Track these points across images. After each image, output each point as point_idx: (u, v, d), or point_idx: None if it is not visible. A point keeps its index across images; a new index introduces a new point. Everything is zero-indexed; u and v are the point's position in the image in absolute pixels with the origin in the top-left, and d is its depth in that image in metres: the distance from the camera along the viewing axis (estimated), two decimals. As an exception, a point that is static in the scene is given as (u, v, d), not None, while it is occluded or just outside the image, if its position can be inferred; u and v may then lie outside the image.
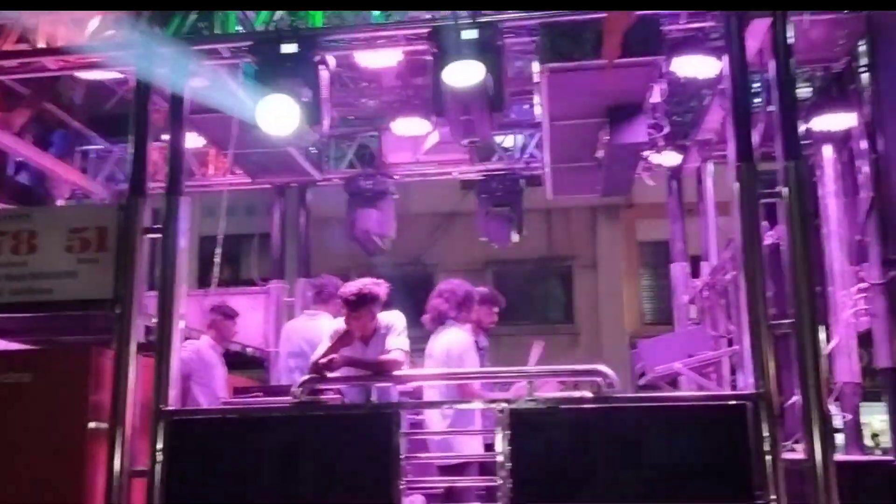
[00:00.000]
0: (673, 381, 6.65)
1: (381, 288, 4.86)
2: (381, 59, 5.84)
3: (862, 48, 5.36)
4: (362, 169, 8.62)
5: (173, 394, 4.78)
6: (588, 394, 4.53)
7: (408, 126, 7.36)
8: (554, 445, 4.43)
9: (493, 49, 5.15)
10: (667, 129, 7.10)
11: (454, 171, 8.87)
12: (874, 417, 8.98)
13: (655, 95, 6.22)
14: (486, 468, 4.70)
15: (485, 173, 8.65)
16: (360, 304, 4.78)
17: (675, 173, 8.34)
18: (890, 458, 5.10)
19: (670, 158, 7.85)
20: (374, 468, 4.46)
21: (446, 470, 4.88)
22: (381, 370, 4.73)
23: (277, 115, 5.09)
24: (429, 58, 5.29)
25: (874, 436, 9.54)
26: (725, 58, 4.99)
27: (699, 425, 4.43)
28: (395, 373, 4.73)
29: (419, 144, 8.17)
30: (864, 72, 5.41)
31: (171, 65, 5.24)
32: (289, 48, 5.20)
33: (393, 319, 4.93)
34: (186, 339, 5.58)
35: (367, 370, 4.78)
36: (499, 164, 8.63)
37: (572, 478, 4.37)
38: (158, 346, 4.81)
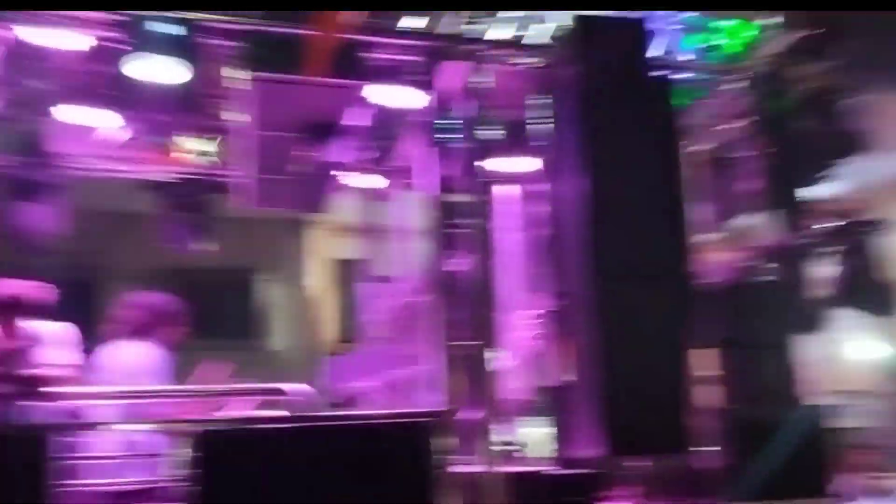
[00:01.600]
0: (361, 399, 6.90)
1: (39, 292, 4.44)
2: (67, 41, 5.37)
3: (546, 102, 6.09)
4: (24, 156, 7.78)
5: None
6: (275, 413, 4.57)
7: (85, 116, 6.79)
8: (238, 466, 4.37)
9: (193, 48, 5.02)
10: (366, 153, 7.40)
11: (136, 169, 8.37)
12: (535, 431, 10.07)
13: (357, 118, 6.46)
14: (163, 494, 4.50)
15: (171, 174, 8.28)
16: (8, 309, 4.32)
17: (372, 196, 8.68)
18: (549, 469, 5.81)
19: (368, 181, 8.17)
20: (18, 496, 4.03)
21: (121, 497, 4.59)
22: (38, 385, 4.30)
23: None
24: (120, 46, 5.00)
25: (531, 448, 10.68)
26: (425, 92, 5.37)
27: (384, 442, 4.67)
28: (60, 388, 4.35)
29: (96, 137, 7.58)
30: (545, 124, 6.15)
31: None
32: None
33: (55, 329, 4.54)
34: None
35: (20, 385, 4.32)
36: (187, 166, 8.31)
37: (257, 499, 4.36)
38: None
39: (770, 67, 6.64)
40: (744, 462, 5.38)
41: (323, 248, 16.04)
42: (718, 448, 5.44)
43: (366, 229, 8.80)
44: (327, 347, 14.70)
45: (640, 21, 5.63)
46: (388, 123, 7.61)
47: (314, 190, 7.06)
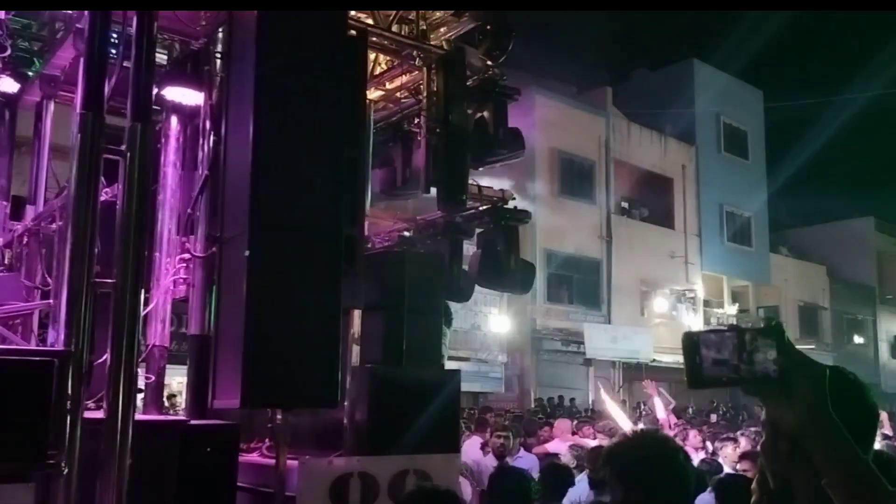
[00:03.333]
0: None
1: None
2: None
3: (221, 36, 5.87)
4: None
5: None
6: None
7: None
8: None
9: None
10: (9, 52, 6.60)
11: None
12: (174, 380, 9.84)
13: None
14: None
15: None
16: None
17: (11, 102, 7.77)
18: (184, 418, 5.72)
19: (7, 84, 7.30)
20: None
21: None
22: None
23: None
24: None
25: (171, 397, 10.45)
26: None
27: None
28: None
29: None
30: (218, 58, 5.93)
31: None
32: None
33: None
34: None
35: None
36: None
37: None
38: None
39: (452, 52, 7.08)
40: (383, 418, 5.74)
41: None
42: (361, 403, 5.75)
43: (2, 139, 7.82)
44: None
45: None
46: (40, 23, 6.87)
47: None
